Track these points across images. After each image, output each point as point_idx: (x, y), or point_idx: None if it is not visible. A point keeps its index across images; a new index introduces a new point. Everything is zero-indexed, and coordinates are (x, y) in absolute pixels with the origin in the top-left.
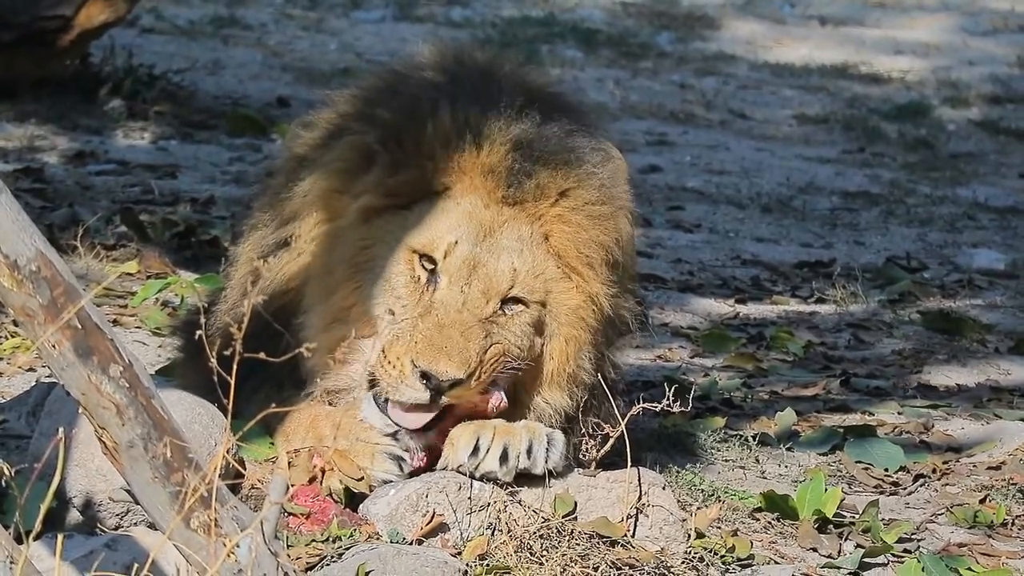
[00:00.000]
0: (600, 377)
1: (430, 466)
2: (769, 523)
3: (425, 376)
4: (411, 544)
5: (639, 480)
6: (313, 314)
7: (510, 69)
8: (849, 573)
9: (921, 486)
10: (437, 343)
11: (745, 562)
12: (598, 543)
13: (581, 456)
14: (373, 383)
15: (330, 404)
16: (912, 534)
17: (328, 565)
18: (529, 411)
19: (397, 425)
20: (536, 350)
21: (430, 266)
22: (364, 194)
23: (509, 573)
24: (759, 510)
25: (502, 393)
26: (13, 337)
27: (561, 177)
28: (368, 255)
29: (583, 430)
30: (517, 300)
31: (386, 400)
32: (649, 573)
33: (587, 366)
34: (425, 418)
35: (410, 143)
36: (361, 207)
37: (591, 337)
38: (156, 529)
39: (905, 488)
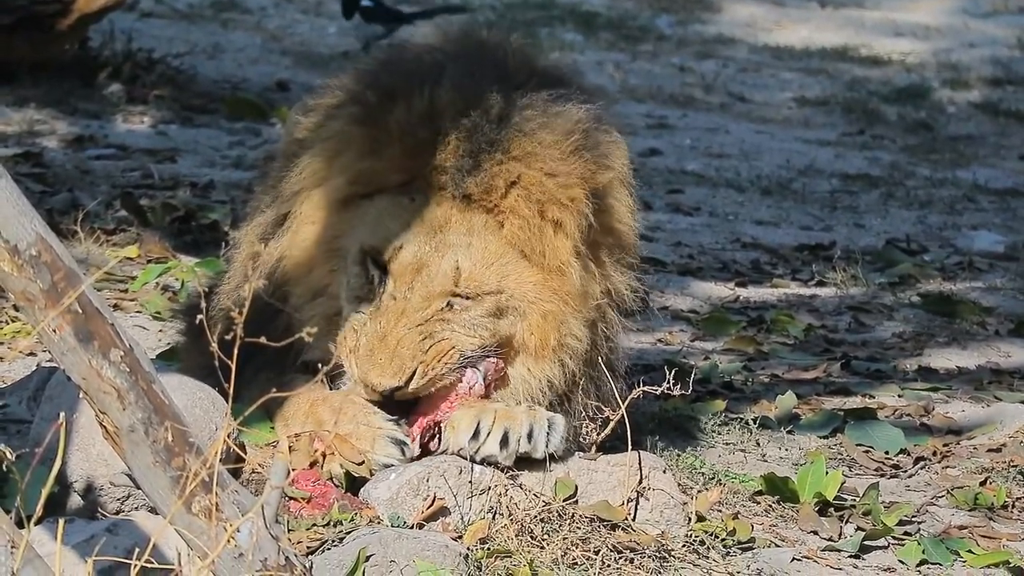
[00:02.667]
0: (600, 359)
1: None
2: (770, 506)
3: (361, 382)
4: (412, 528)
5: (640, 463)
6: (298, 286)
7: (515, 48)
8: (850, 556)
9: (922, 469)
10: (374, 355)
11: (746, 545)
12: (599, 527)
13: (582, 440)
14: None
15: (331, 384)
16: (913, 517)
17: (329, 549)
18: (517, 386)
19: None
20: (504, 332)
21: (381, 264)
22: (337, 177)
23: (510, 557)
24: (760, 493)
25: (479, 375)
26: (14, 322)
27: (509, 166)
28: (337, 244)
29: (583, 413)
30: (464, 296)
31: None
32: (650, 556)
33: (576, 333)
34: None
35: (379, 130)
36: (334, 192)
37: (571, 306)
38: (157, 514)
39: (906, 471)
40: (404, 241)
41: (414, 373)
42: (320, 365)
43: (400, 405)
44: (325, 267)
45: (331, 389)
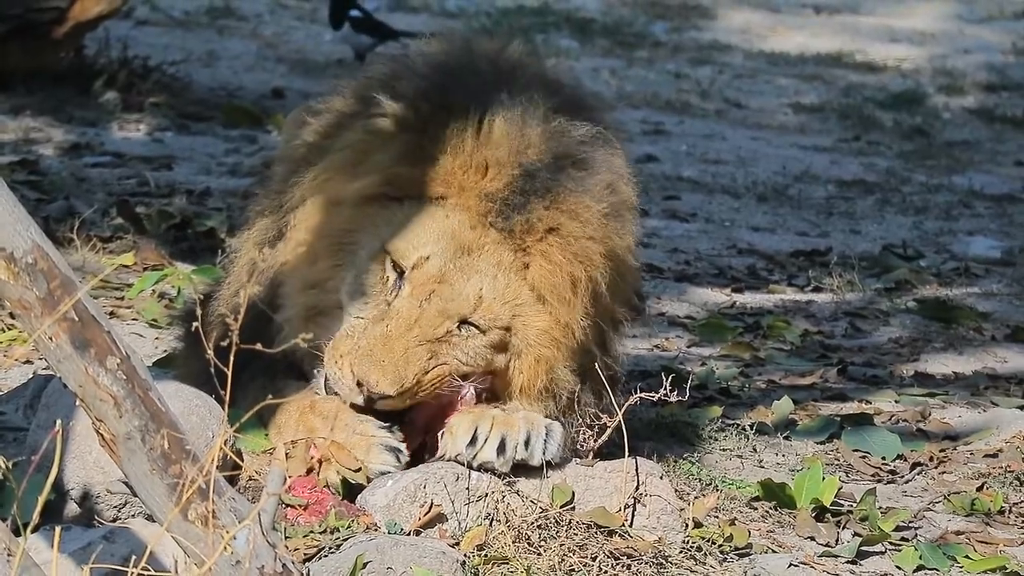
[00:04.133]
0: (597, 369)
1: (417, 456)
2: (767, 512)
3: (360, 383)
4: (409, 535)
5: (636, 470)
6: (293, 277)
7: (527, 62)
8: (847, 561)
9: (918, 474)
10: (377, 356)
11: (743, 551)
12: (596, 533)
13: (579, 446)
14: None
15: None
16: (909, 522)
17: (326, 556)
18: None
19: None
20: (498, 364)
21: (400, 268)
22: (366, 176)
23: (507, 563)
24: (757, 499)
25: (471, 389)
26: (10, 329)
27: (553, 214)
28: (352, 238)
29: (580, 421)
30: (476, 326)
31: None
32: (647, 563)
33: (565, 377)
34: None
35: (427, 139)
36: (359, 189)
37: (565, 354)
38: (154, 521)
39: (902, 476)
40: (431, 252)
41: (409, 388)
42: (316, 373)
43: (379, 414)
44: (329, 261)
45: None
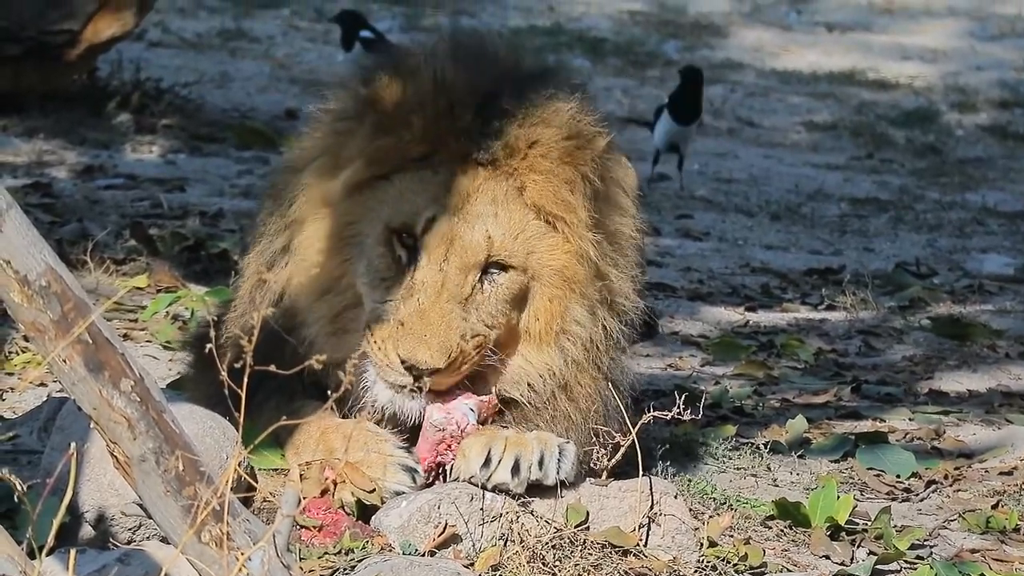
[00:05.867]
0: (609, 383)
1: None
2: (781, 531)
3: (406, 364)
4: (423, 555)
5: (651, 489)
6: (307, 291)
7: (501, 41)
8: None
9: (933, 492)
10: (418, 332)
11: (758, 570)
12: (610, 553)
13: (592, 465)
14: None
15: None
16: (925, 540)
17: None
18: (516, 376)
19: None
20: (514, 321)
21: (410, 241)
22: (348, 165)
23: None
24: (771, 518)
25: (473, 415)
26: (24, 352)
27: (528, 130)
28: (353, 230)
29: (593, 439)
30: (499, 265)
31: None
32: None
33: (580, 318)
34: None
35: (392, 107)
36: (345, 181)
37: (580, 290)
38: (169, 543)
39: (917, 494)
40: (435, 212)
41: (456, 357)
42: (329, 392)
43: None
44: (337, 259)
45: (340, 408)
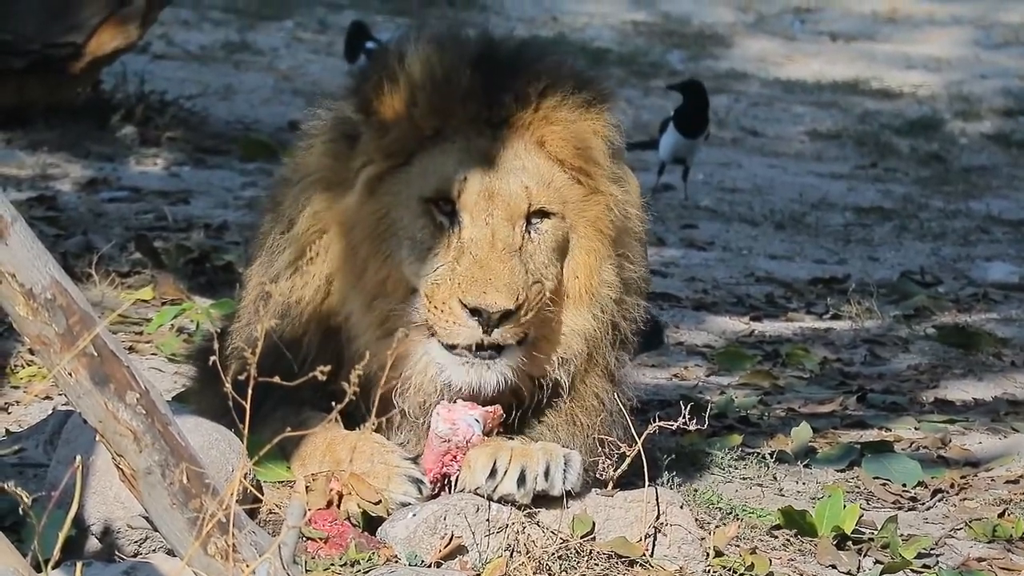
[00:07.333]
0: (616, 393)
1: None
2: (788, 540)
3: (476, 312)
4: (430, 567)
5: (657, 499)
6: (351, 302)
7: (495, 36)
8: None
9: (939, 501)
10: (480, 278)
11: None
12: (617, 563)
13: (598, 475)
14: (432, 331)
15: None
16: (931, 549)
17: None
18: (563, 342)
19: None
20: (557, 277)
21: (448, 208)
22: (363, 167)
23: None
24: (777, 527)
25: (478, 426)
26: (29, 365)
27: (534, 79)
28: (386, 223)
29: (599, 449)
30: (541, 213)
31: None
32: None
33: (610, 279)
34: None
35: (388, 99)
36: (364, 180)
37: (611, 248)
38: (175, 556)
39: (923, 503)
40: (466, 173)
41: (523, 301)
42: (333, 404)
43: (489, 348)
44: (378, 260)
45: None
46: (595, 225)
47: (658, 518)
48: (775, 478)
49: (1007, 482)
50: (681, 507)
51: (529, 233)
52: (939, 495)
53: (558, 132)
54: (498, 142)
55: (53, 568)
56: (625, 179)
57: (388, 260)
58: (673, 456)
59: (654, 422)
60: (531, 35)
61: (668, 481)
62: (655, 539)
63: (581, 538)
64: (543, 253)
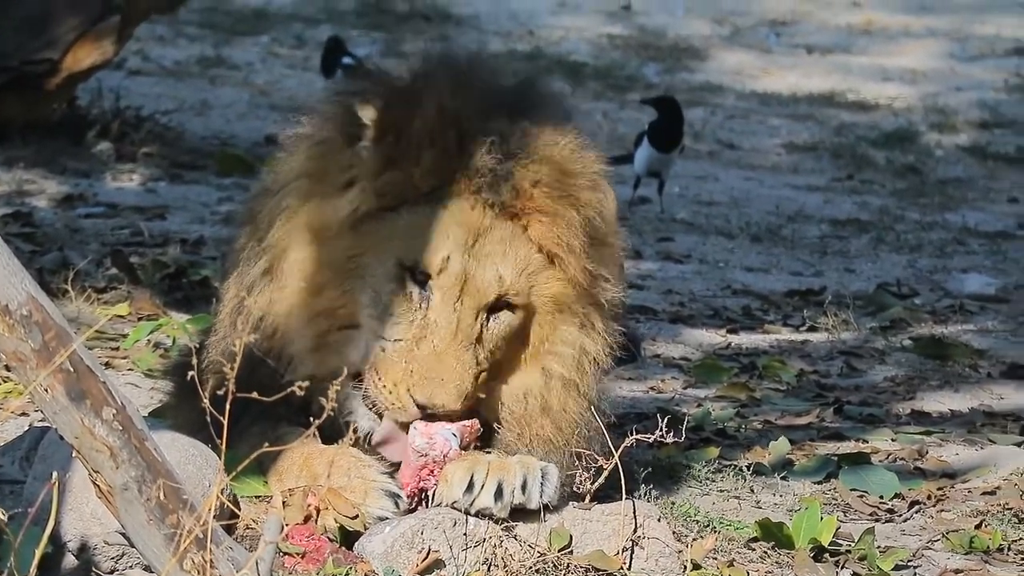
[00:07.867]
0: (591, 405)
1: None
2: (765, 553)
3: (423, 407)
4: None
5: (634, 512)
6: (297, 312)
7: (490, 63)
8: None
9: (916, 512)
10: (435, 376)
11: None
12: None
13: (575, 489)
14: (358, 377)
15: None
16: (908, 561)
17: None
18: (503, 399)
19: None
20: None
21: (422, 277)
22: (354, 194)
23: None
24: (755, 540)
25: (455, 440)
26: (6, 382)
27: (533, 171)
28: (357, 263)
29: (576, 462)
30: (505, 304)
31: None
32: None
33: (567, 337)
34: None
35: (399, 139)
36: (350, 213)
37: (568, 311)
38: (152, 572)
39: (900, 515)
40: (450, 251)
41: (470, 397)
42: (312, 419)
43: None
44: (337, 290)
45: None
46: (555, 300)
47: (635, 531)
48: (752, 490)
49: (984, 493)
50: (658, 520)
51: (488, 322)
52: (916, 507)
53: (544, 222)
54: (488, 220)
55: None
56: (606, 232)
57: (346, 295)
58: (650, 469)
59: (631, 435)
60: (508, 51)
61: (645, 494)
62: (632, 552)
63: (559, 552)
64: (496, 340)
